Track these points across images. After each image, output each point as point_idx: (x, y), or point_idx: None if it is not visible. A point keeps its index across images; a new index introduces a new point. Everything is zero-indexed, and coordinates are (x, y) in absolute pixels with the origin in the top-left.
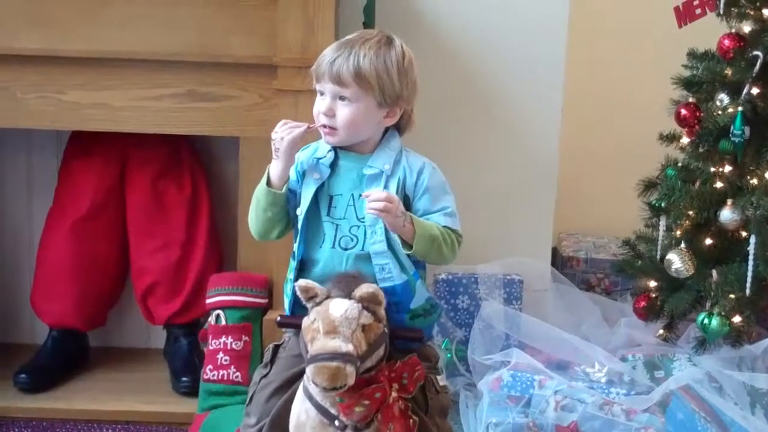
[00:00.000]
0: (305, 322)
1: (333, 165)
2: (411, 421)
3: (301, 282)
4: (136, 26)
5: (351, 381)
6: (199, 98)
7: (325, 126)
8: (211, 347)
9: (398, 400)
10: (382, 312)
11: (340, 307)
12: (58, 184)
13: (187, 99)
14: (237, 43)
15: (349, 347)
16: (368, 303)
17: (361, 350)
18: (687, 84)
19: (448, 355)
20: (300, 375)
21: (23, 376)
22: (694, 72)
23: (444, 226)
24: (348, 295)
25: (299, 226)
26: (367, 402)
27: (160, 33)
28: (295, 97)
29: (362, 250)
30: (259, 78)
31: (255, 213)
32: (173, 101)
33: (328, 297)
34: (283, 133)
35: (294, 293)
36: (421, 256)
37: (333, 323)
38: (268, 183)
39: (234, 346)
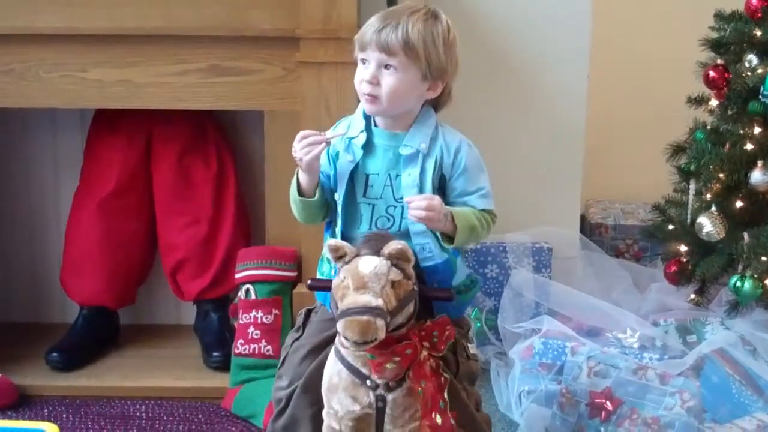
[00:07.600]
0: (335, 281)
1: (367, 144)
2: (442, 378)
3: (331, 241)
4: (158, 2)
5: (381, 335)
6: (222, 73)
7: (367, 95)
8: (241, 321)
9: (429, 359)
10: (410, 269)
11: (369, 264)
12: (84, 163)
13: (210, 74)
14: (259, 16)
15: (379, 302)
16: (397, 260)
17: (391, 306)
18: (715, 45)
19: (478, 324)
20: (331, 339)
21: (55, 354)
22: (722, 33)
23: (480, 210)
24: (377, 253)
25: (339, 209)
26: (398, 359)
27: (182, 8)
28: (318, 69)
29: (399, 230)
30: (281, 51)
31: (295, 209)
32: (196, 76)
33: (357, 255)
34: (301, 153)
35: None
36: (460, 245)
37: (362, 279)
38: (299, 189)
39: (264, 320)
